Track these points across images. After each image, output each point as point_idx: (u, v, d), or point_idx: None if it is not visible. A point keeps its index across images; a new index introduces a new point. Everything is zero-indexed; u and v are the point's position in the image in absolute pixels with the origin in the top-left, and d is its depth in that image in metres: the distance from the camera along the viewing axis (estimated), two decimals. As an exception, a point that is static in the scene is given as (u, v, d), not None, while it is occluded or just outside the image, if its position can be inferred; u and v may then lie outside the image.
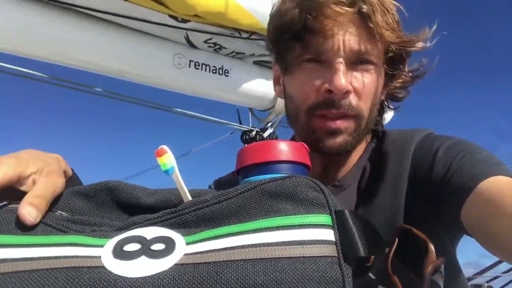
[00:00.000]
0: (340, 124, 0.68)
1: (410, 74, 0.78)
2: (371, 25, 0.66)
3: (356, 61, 0.68)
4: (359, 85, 0.68)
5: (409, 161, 0.70)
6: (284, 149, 0.48)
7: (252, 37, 1.87)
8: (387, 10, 0.68)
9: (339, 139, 0.69)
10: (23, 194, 0.43)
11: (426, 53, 0.76)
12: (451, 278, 0.73)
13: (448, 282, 0.70)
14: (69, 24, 1.54)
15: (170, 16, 1.65)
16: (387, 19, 0.68)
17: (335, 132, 0.69)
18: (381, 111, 0.80)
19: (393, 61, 0.73)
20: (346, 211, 0.41)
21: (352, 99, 0.68)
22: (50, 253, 0.36)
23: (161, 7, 1.58)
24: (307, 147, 0.51)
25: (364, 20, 0.66)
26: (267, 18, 1.88)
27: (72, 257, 0.36)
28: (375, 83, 0.71)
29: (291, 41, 0.70)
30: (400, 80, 0.77)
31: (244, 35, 1.84)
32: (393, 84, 0.77)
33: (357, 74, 0.69)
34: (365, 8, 0.65)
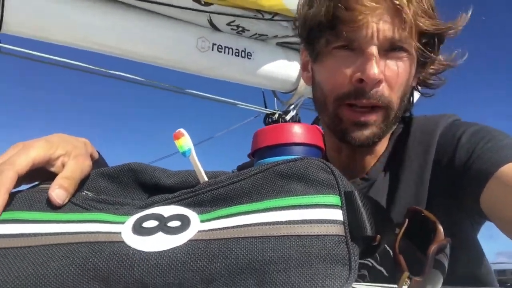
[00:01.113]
0: (369, 117, 0.68)
1: (442, 62, 0.76)
2: (405, 15, 0.64)
3: (389, 49, 0.67)
4: (391, 74, 0.67)
5: (434, 148, 0.70)
6: (297, 131, 0.49)
7: (275, 18, 1.86)
8: None
9: (367, 132, 0.69)
10: (52, 174, 0.46)
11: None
12: (472, 262, 0.73)
13: (469, 265, 0.71)
14: (92, 9, 1.58)
15: (193, -1, 1.66)
16: (422, 6, 0.66)
17: (363, 125, 0.68)
18: (411, 98, 0.79)
19: (427, 47, 0.71)
20: (356, 192, 0.42)
21: (384, 89, 0.67)
22: (75, 228, 0.39)
23: (184, -9, 1.59)
24: (320, 129, 0.52)
25: (398, 8, 0.65)
26: (290, -2, 1.85)
27: (95, 232, 0.39)
28: (407, 71, 0.69)
29: (322, 29, 0.69)
30: (433, 67, 0.76)
31: (267, 16, 1.83)
32: (425, 71, 0.76)
33: (389, 62, 0.68)
34: None
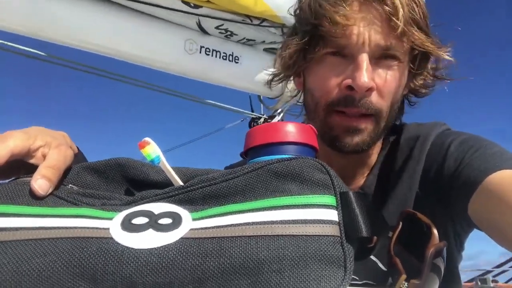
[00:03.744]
0: (359, 123, 0.67)
1: (432, 74, 0.76)
2: (397, 22, 0.64)
3: (381, 56, 0.67)
4: (381, 82, 0.67)
5: (424, 158, 0.70)
6: (291, 130, 0.48)
7: (263, 24, 1.86)
8: (416, 4, 0.66)
9: (357, 138, 0.68)
10: (32, 168, 0.44)
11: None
12: (448, 281, 0.73)
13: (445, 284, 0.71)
14: (81, 7, 1.55)
15: (183, 1, 1.65)
16: (414, 15, 0.66)
17: (353, 131, 0.68)
18: (402, 108, 0.79)
19: (417, 58, 0.71)
20: (351, 193, 0.41)
21: (373, 97, 0.67)
22: (60, 223, 0.37)
23: (174, -8, 1.58)
24: (315, 129, 0.51)
25: (390, 16, 0.64)
26: (279, 5, 1.87)
27: (82, 228, 0.37)
28: (398, 80, 0.69)
29: (314, 34, 0.69)
30: (422, 78, 0.76)
31: (255, 21, 1.83)
32: (415, 82, 0.76)
33: (380, 71, 0.67)
34: (390, 4, 0.64)
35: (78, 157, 0.53)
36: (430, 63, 0.74)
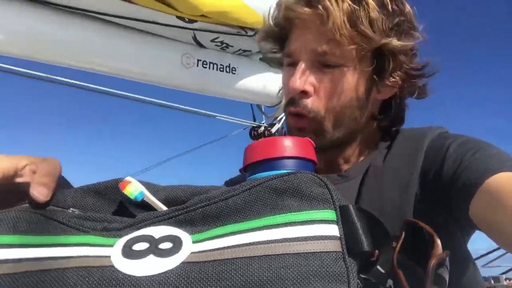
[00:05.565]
0: (299, 122, 0.71)
1: (412, 72, 0.73)
2: (330, 25, 0.64)
3: (320, 62, 0.69)
4: (319, 86, 0.69)
5: (421, 159, 0.70)
6: (288, 145, 0.48)
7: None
8: (362, 6, 0.65)
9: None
10: (22, 192, 0.44)
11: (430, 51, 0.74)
12: (463, 271, 0.72)
13: (460, 275, 0.70)
14: (77, 28, 1.56)
15: (178, 17, 1.66)
16: (355, 17, 0.64)
17: (297, 130, 0.72)
18: (386, 110, 0.78)
19: (378, 58, 0.69)
20: (351, 206, 0.41)
21: (310, 100, 0.69)
22: (62, 253, 0.37)
23: (168, 8, 1.59)
24: (312, 142, 0.51)
25: (324, 20, 0.65)
26: (271, 15, 1.87)
27: (83, 257, 0.37)
28: (341, 83, 0.69)
29: (275, 43, 0.78)
30: (393, 80, 0.71)
31: (250, 32, 1.84)
32: (387, 82, 0.72)
33: (318, 76, 0.69)
34: (321, 7, 0.65)
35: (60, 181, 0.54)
36: (408, 61, 0.71)
